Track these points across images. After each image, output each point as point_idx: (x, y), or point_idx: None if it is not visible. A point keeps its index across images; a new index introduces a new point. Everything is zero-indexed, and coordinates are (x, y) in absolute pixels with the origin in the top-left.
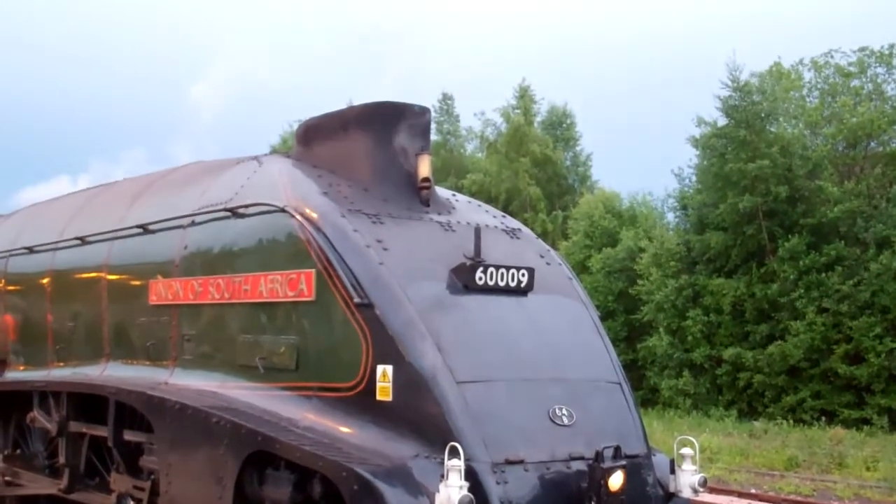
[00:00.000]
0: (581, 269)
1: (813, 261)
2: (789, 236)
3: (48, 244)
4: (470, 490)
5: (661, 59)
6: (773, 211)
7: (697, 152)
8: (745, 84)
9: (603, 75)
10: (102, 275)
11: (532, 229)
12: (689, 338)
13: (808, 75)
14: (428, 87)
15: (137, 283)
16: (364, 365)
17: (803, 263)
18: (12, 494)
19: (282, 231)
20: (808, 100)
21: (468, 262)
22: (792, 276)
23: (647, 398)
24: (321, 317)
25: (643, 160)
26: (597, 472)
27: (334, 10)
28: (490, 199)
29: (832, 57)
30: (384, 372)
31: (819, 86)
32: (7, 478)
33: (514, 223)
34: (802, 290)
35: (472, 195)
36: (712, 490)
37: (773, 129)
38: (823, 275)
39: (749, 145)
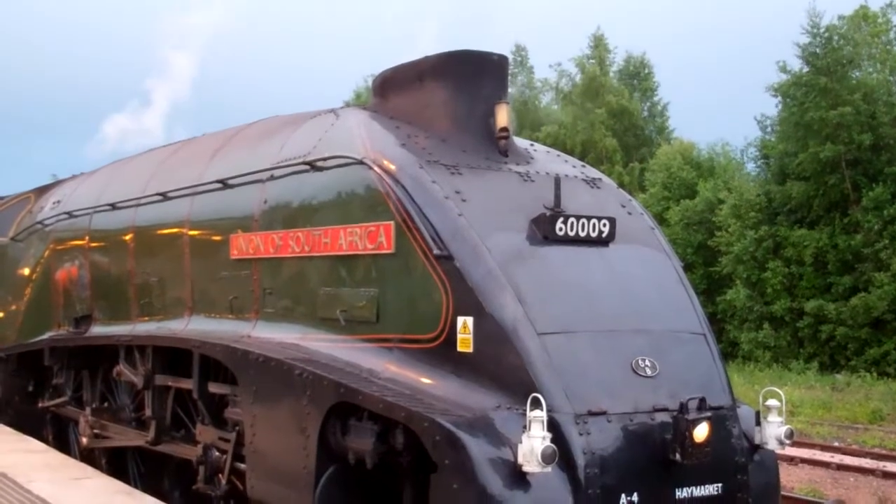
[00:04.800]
0: (659, 221)
1: None
2: (874, 185)
3: (130, 200)
4: (552, 441)
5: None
6: (857, 160)
7: (778, 100)
8: (826, 29)
9: (679, 20)
10: (184, 230)
11: None
12: (769, 290)
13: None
14: (502, 37)
15: (218, 237)
16: (444, 317)
17: (888, 213)
18: (101, 446)
19: (360, 183)
20: (894, 44)
21: (548, 213)
22: (876, 227)
23: (727, 352)
24: (401, 269)
25: (722, 109)
26: (681, 424)
27: None
28: (565, 151)
29: None
30: (464, 323)
31: None
32: (96, 430)
33: (594, 173)
34: (887, 241)
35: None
36: (794, 443)
37: (856, 76)
38: None
39: (830, 93)
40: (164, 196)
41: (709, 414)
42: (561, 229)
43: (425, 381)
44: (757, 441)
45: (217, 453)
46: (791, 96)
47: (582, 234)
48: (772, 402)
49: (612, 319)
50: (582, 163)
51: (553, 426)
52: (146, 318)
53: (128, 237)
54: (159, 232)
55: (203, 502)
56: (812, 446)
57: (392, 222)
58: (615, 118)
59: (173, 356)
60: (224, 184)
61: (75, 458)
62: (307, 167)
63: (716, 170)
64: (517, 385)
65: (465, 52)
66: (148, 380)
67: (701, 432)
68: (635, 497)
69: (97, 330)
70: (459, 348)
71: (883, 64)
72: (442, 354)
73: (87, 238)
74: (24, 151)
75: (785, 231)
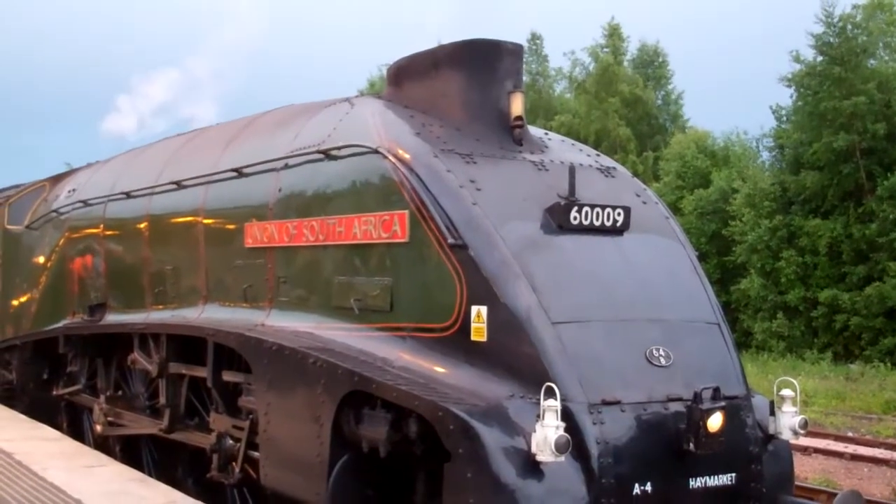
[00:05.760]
0: (673, 210)
1: None
2: (888, 175)
3: (145, 189)
4: (566, 430)
5: None
6: (871, 149)
7: (792, 90)
8: (840, 19)
9: (693, 8)
10: (199, 219)
11: None
12: (783, 280)
13: None
14: (517, 26)
15: (233, 226)
16: (458, 306)
17: None
18: (115, 434)
19: (375, 172)
20: None
21: (562, 202)
22: (891, 216)
23: (740, 341)
24: (415, 258)
25: (738, 97)
26: (695, 414)
27: None
28: (579, 141)
29: None
30: (478, 312)
31: None
32: (110, 418)
33: (608, 161)
34: None
35: None
36: (808, 433)
37: (870, 65)
38: None
39: (844, 82)
40: (179, 185)
41: (723, 404)
42: (575, 218)
43: (439, 370)
44: (771, 431)
45: (231, 441)
46: (805, 86)
47: (596, 223)
48: (786, 391)
49: (626, 309)
50: (596, 152)
51: (567, 415)
52: (160, 307)
53: (142, 225)
54: (174, 220)
55: (216, 490)
56: (826, 436)
57: (406, 211)
58: (629, 107)
59: (187, 344)
60: (239, 172)
61: (89, 445)
62: (321, 156)
63: (730, 159)
64: (531, 374)
65: (479, 41)
66: (162, 368)
67: (715, 422)
68: (649, 487)
69: (112, 318)
70: (473, 337)
71: None
72: (456, 343)
73: (101, 226)
74: (22, 146)
75: (799, 220)
